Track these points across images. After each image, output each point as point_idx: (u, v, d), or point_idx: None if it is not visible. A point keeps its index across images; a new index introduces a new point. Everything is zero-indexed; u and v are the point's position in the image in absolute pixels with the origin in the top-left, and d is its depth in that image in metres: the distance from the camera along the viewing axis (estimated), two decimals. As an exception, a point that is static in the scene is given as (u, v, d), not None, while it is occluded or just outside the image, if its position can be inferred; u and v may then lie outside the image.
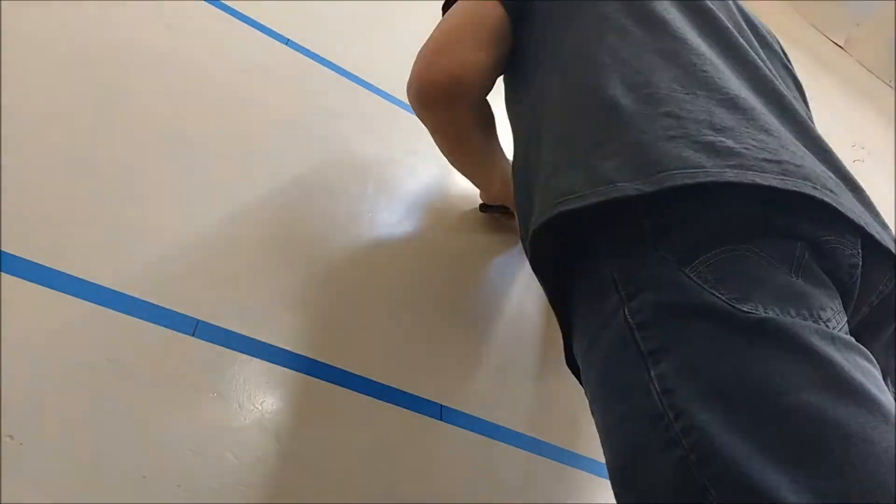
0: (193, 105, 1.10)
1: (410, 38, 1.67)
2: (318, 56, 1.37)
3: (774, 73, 0.81)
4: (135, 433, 0.72)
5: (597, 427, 0.65)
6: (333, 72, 1.37)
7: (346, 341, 0.94)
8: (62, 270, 0.79)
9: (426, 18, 1.77)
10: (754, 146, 0.62)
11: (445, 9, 1.01)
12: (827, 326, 0.54)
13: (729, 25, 0.82)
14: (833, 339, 0.53)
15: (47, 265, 0.79)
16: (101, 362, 0.75)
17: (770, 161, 0.61)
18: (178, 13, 1.23)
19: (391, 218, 1.16)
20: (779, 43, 0.95)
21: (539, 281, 0.73)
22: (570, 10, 0.83)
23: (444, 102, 0.94)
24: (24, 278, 0.76)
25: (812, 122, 0.80)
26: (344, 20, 1.55)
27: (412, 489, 0.84)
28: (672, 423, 0.52)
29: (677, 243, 0.61)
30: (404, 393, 0.92)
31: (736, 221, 0.60)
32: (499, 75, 0.97)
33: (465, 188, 1.30)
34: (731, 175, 0.59)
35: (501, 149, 1.12)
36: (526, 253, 0.75)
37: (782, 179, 0.59)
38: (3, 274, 0.75)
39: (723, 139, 0.63)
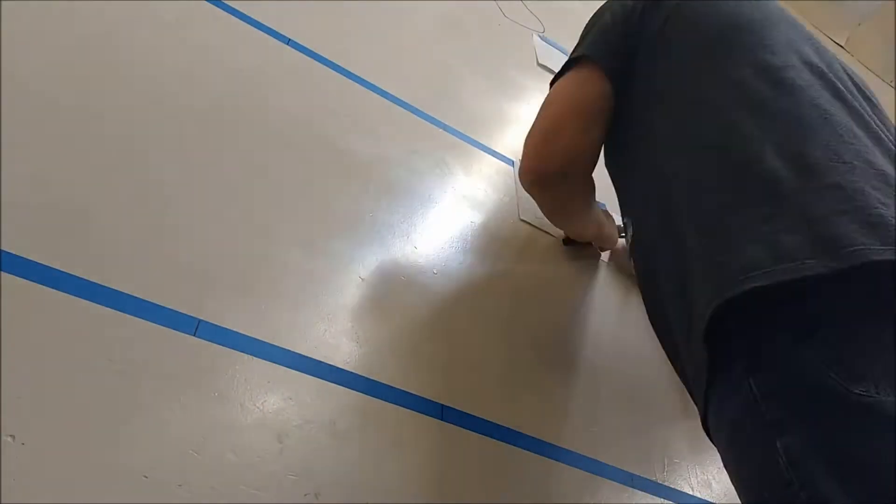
0: (193, 105, 1.10)
1: (412, 38, 1.67)
2: (319, 55, 1.37)
3: (890, 136, 0.81)
4: (135, 433, 0.72)
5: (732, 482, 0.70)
6: (335, 72, 1.37)
7: (345, 343, 0.94)
8: (62, 269, 0.79)
9: (427, 18, 1.77)
10: None
11: (553, 84, 1.02)
12: None
13: (848, 90, 0.82)
14: None
15: (47, 265, 0.79)
16: (101, 361, 0.74)
17: None
18: (178, 13, 1.23)
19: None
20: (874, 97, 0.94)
21: (705, 358, 0.70)
22: (692, 77, 0.84)
23: (557, 184, 0.99)
24: (25, 277, 0.76)
25: None
26: (346, 20, 1.55)
27: None
28: (799, 491, 0.58)
29: (801, 317, 0.64)
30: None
31: (864, 297, 0.63)
32: (603, 144, 1.00)
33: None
34: None
35: (595, 199, 1.15)
36: (681, 326, 0.76)
37: None
38: (3, 273, 0.75)
39: (885, 213, 0.64)
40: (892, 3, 4.45)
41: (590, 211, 1.15)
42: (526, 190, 1.04)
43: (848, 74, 0.88)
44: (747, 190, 0.72)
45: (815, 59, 0.83)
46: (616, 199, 1.05)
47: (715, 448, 0.74)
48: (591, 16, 1.02)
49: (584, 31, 1.02)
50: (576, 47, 1.00)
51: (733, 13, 0.86)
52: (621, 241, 1.40)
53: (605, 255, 1.42)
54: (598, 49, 0.94)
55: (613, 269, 1.41)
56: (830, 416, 0.59)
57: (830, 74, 0.82)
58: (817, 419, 0.60)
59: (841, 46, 4.73)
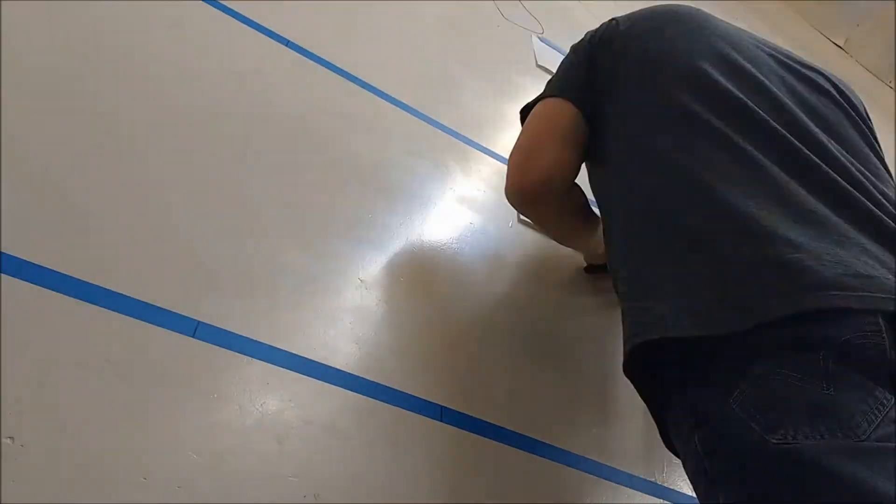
0: (193, 106, 1.10)
1: (411, 40, 1.67)
2: (318, 57, 1.38)
3: (838, 150, 0.83)
4: (135, 434, 0.72)
5: None
6: (334, 73, 1.37)
7: (347, 345, 0.94)
8: (62, 272, 0.79)
9: (426, 19, 1.78)
10: (829, 261, 0.66)
11: (523, 113, 1.11)
12: (856, 435, 0.58)
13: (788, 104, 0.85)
14: (859, 453, 0.57)
15: (47, 267, 0.79)
16: (101, 363, 0.75)
17: (846, 275, 0.65)
18: (177, 14, 1.23)
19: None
20: (831, 82, 0.99)
21: (633, 383, 0.81)
22: (648, 109, 0.89)
23: (541, 199, 1.05)
24: (25, 280, 0.76)
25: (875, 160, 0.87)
26: (344, 21, 1.55)
27: None
28: None
29: (725, 370, 0.67)
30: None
31: (770, 343, 0.65)
32: (582, 163, 1.06)
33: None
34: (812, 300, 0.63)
35: (596, 215, 1.19)
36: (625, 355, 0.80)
37: (858, 297, 0.63)
38: (3, 276, 0.75)
39: (800, 257, 0.66)
40: (892, 3, 4.46)
41: (591, 226, 1.18)
42: (514, 207, 1.09)
43: (785, 63, 0.94)
44: (671, 242, 0.78)
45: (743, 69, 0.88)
46: None
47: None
48: (572, 46, 1.10)
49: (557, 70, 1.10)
50: (545, 87, 1.07)
51: (657, 51, 0.92)
52: None
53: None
54: (563, 86, 1.03)
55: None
56: (757, 469, 0.61)
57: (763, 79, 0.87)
58: (746, 474, 0.62)
59: (840, 47, 4.73)
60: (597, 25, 1.04)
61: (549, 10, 2.28)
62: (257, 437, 0.78)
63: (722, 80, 0.84)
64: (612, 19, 1.02)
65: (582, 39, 1.06)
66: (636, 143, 0.89)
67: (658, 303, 0.74)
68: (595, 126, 0.98)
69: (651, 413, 0.81)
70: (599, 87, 0.97)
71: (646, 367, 0.78)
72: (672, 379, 0.76)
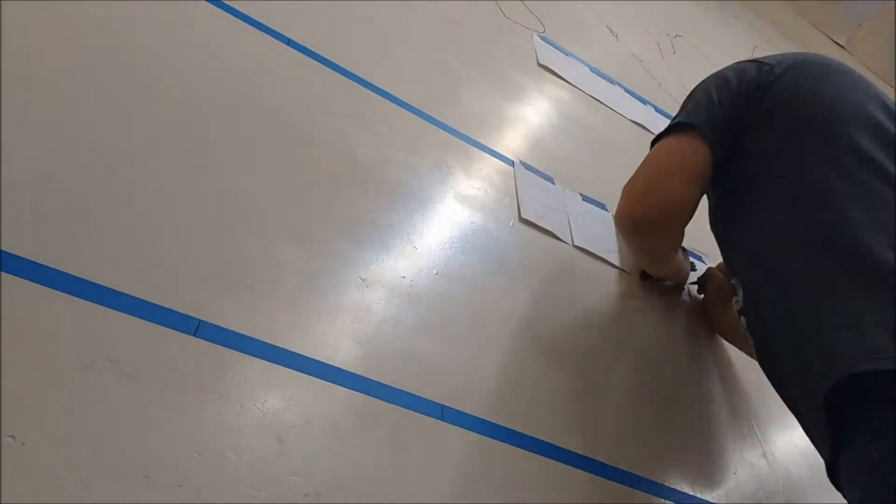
0: (192, 105, 1.10)
1: (412, 38, 1.67)
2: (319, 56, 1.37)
3: None
4: (136, 433, 0.72)
5: None
6: (335, 72, 1.37)
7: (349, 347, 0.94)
8: (62, 270, 0.79)
9: (427, 18, 1.77)
10: None
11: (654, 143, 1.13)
12: None
13: None
14: None
15: (47, 264, 0.79)
16: (102, 362, 0.74)
17: None
18: (178, 13, 1.23)
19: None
20: None
21: (825, 421, 0.83)
22: (796, 154, 0.95)
23: (654, 231, 1.08)
24: (24, 277, 0.76)
25: None
26: (345, 20, 1.55)
27: None
28: None
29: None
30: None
31: None
32: (698, 203, 1.09)
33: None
34: None
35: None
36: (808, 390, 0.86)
37: None
38: (3, 273, 0.75)
39: None
40: (892, 3, 4.46)
41: (677, 255, 1.22)
42: (621, 233, 1.12)
43: None
44: (863, 278, 0.82)
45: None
46: None
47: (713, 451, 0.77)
48: (693, 88, 1.13)
49: (687, 101, 1.12)
50: (680, 115, 1.09)
51: (832, 99, 0.97)
52: (693, 273, 1.48)
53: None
54: (701, 120, 1.04)
55: (627, 268, 1.41)
56: None
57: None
58: None
59: (841, 46, 4.73)
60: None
61: (550, 9, 2.28)
62: (258, 436, 0.78)
63: (893, 128, 0.92)
64: (760, 62, 1.06)
65: (722, 76, 1.08)
66: (811, 183, 0.92)
67: (860, 338, 0.78)
68: (732, 166, 1.02)
69: (823, 445, 0.85)
70: (745, 128, 1.01)
71: (841, 399, 0.80)
72: (865, 415, 0.78)
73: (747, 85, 1.03)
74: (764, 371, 1.03)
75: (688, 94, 1.13)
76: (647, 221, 1.05)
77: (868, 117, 0.94)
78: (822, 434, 0.84)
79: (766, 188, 0.99)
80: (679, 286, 1.47)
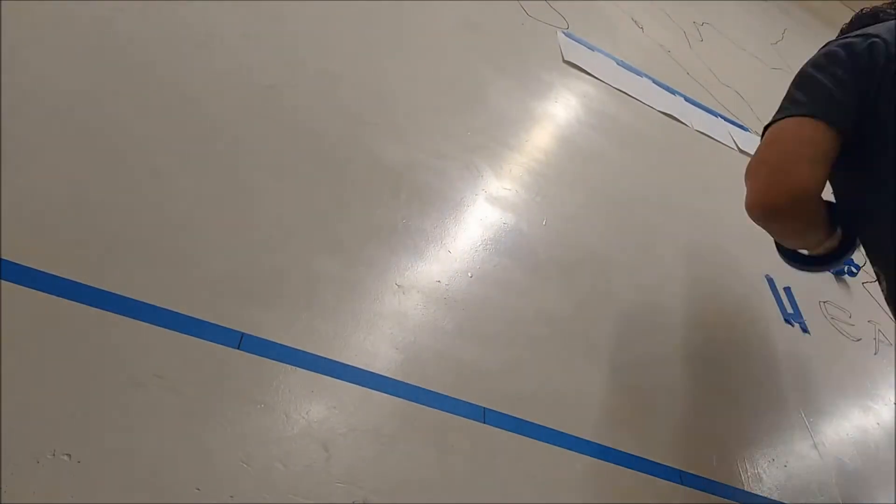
0: (222, 121, 1.12)
1: (436, 41, 1.67)
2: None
3: None
4: (186, 446, 0.73)
5: None
6: (359, 80, 1.38)
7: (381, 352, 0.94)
8: (106, 290, 0.81)
9: (450, 20, 1.78)
10: None
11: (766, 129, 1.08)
12: None
13: None
14: None
15: (91, 285, 0.81)
16: (151, 378, 0.76)
17: None
18: (208, 28, 1.25)
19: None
20: None
21: None
22: None
23: (788, 215, 1.03)
24: (70, 299, 0.79)
25: None
26: (368, 26, 1.56)
27: None
28: None
29: None
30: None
31: None
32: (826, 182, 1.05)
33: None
34: None
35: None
36: None
37: None
38: (52, 297, 0.78)
39: None
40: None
41: (822, 231, 1.16)
42: (755, 220, 1.08)
43: None
44: None
45: None
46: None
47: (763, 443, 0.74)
48: (796, 75, 1.07)
49: (793, 90, 1.06)
50: (788, 104, 1.04)
51: None
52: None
53: None
54: (825, 109, 1.00)
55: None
56: None
57: None
58: None
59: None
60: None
61: (573, 5, 2.26)
62: (304, 445, 0.79)
63: None
64: (870, 36, 1.01)
65: (832, 55, 1.04)
66: None
67: None
68: (864, 146, 0.99)
69: None
70: (876, 103, 0.97)
71: None
72: None
73: (867, 59, 0.99)
74: None
75: (795, 75, 1.08)
76: (779, 206, 1.01)
77: None
78: None
79: None
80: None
